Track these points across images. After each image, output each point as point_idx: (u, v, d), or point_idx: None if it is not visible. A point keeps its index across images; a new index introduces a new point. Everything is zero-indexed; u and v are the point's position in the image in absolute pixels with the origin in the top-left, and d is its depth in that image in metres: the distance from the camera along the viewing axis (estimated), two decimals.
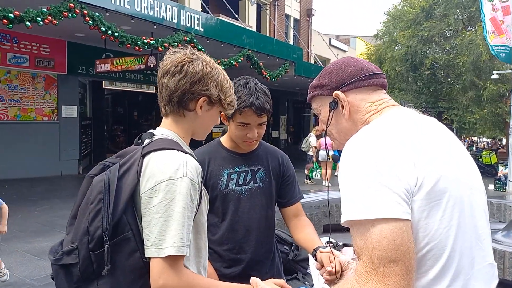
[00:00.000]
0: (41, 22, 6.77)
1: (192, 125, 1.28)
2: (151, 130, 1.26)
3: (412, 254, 0.86)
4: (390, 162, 0.89)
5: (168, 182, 1.09)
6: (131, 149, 1.23)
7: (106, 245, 1.08)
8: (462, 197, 0.94)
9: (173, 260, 1.08)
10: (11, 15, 6.46)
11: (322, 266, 1.46)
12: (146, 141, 1.20)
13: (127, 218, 1.11)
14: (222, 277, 1.73)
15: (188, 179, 1.11)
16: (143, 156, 1.16)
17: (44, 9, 6.83)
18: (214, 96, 1.25)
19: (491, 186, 12.44)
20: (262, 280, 1.25)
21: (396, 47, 16.83)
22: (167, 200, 1.08)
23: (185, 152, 1.17)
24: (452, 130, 19.78)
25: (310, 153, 12.19)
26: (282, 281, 1.29)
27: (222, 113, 1.42)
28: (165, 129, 1.27)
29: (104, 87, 12.86)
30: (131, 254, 1.11)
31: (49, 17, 6.87)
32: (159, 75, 1.26)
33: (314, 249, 1.62)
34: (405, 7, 17.47)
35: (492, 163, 16.45)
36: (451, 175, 0.93)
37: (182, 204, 1.09)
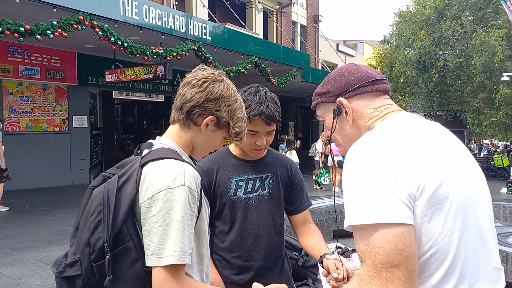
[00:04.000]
0: (51, 35, 6.90)
1: (194, 140, 1.29)
2: (151, 140, 1.28)
3: (415, 258, 0.87)
4: (392, 167, 0.90)
5: (167, 191, 1.10)
6: (130, 159, 1.24)
7: (107, 256, 1.08)
8: (466, 201, 0.94)
9: (175, 269, 1.08)
10: (22, 28, 6.60)
11: (329, 272, 1.47)
12: (145, 151, 1.22)
13: (128, 228, 1.12)
14: (232, 284, 1.74)
15: (186, 187, 1.11)
16: (142, 166, 1.17)
17: (54, 22, 6.96)
18: (223, 119, 1.27)
19: (504, 189, 12.26)
20: None
21: (407, 50, 16.71)
22: (166, 209, 1.09)
23: (183, 161, 1.19)
24: (463, 134, 19.47)
25: (317, 158, 12.18)
26: (284, 286, 1.30)
27: None
28: (165, 139, 1.29)
29: (114, 97, 13.01)
30: (133, 264, 1.11)
31: (59, 30, 7.00)
32: (181, 84, 1.29)
33: (320, 256, 1.63)
34: (417, 6, 17.25)
35: (504, 165, 16.24)
36: (454, 179, 0.93)
37: (181, 212, 1.10)
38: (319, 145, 12.00)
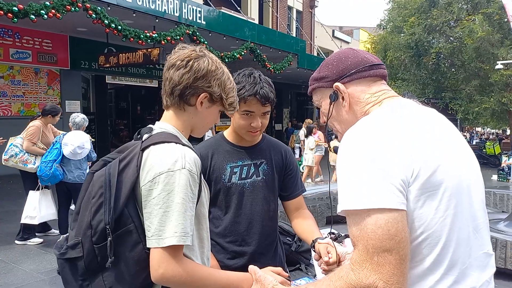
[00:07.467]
0: (45, 16, 6.78)
1: (192, 120, 1.30)
2: (150, 125, 1.29)
3: (406, 243, 0.88)
4: (387, 153, 0.90)
5: (167, 174, 1.11)
6: (130, 144, 1.26)
7: (109, 238, 1.10)
8: (460, 187, 0.95)
9: (173, 250, 1.10)
10: (15, 8, 6.47)
11: (321, 256, 1.48)
12: (145, 136, 1.23)
13: (129, 211, 1.13)
14: (226, 268, 1.75)
15: (186, 170, 1.13)
16: (143, 150, 1.18)
17: (47, 3, 6.84)
18: (215, 94, 1.28)
19: (495, 177, 12.42)
20: None
21: (402, 35, 16.68)
22: (166, 192, 1.10)
23: (183, 145, 1.19)
24: (456, 122, 19.61)
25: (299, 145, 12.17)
26: (279, 269, 1.32)
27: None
28: (164, 123, 1.29)
29: (107, 81, 12.87)
30: (134, 246, 1.13)
31: (53, 11, 6.88)
32: (165, 68, 1.28)
33: (313, 240, 1.64)
34: None
35: (496, 153, 16.41)
36: (449, 165, 0.94)
37: (181, 195, 1.11)
38: (301, 133, 11.96)
